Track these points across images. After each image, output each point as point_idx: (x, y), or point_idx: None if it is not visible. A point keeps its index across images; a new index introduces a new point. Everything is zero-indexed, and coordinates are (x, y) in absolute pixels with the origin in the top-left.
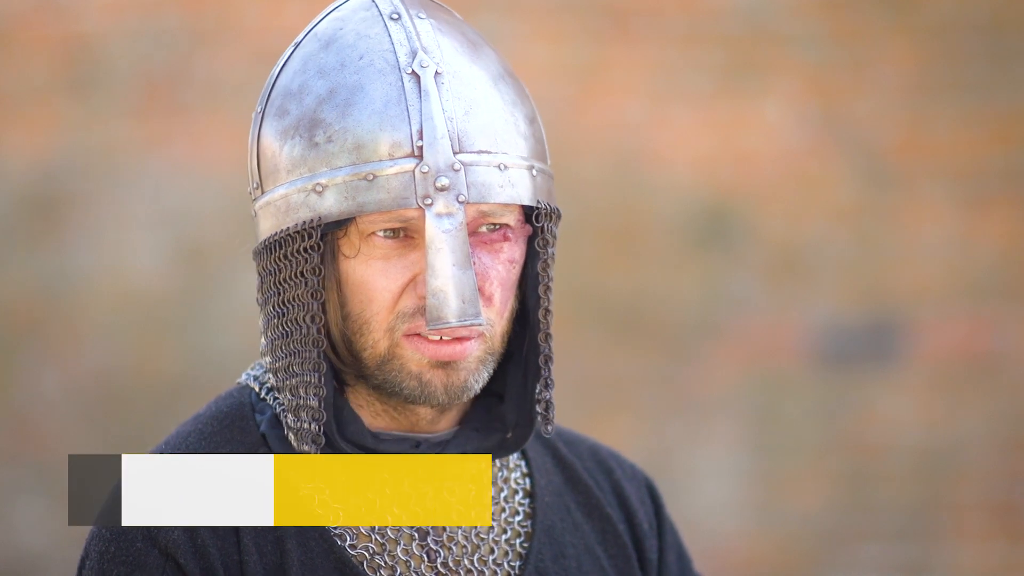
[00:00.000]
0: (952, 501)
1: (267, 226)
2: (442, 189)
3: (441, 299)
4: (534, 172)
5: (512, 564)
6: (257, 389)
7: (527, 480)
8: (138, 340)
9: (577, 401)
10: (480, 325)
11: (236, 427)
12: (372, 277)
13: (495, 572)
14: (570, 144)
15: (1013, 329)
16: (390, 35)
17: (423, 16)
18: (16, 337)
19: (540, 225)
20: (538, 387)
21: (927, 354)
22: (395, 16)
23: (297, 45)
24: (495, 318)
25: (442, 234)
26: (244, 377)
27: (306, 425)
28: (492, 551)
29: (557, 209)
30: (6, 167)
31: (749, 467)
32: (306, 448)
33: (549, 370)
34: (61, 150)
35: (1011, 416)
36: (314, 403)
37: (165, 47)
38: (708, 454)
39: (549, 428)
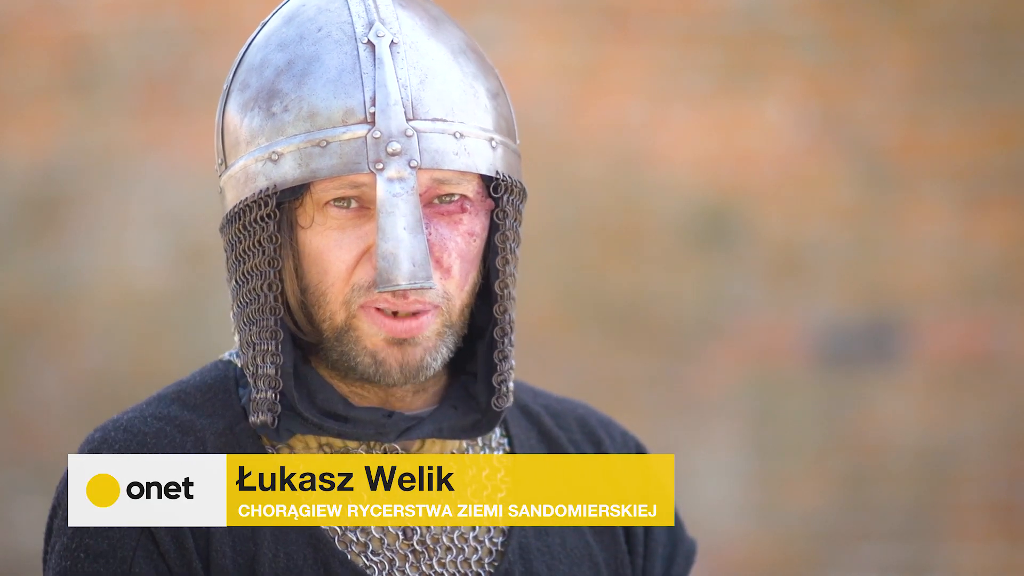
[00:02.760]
0: (952, 501)
1: (230, 199)
2: (394, 154)
3: (391, 262)
4: (494, 144)
5: (494, 540)
6: (238, 363)
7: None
8: (138, 340)
9: None
10: (431, 288)
11: (219, 399)
12: (327, 248)
13: (475, 549)
14: (570, 144)
15: (1013, 329)
16: (349, 8)
17: None
18: (16, 337)
19: (499, 196)
20: (495, 359)
21: (927, 354)
22: None
23: (264, 24)
24: (454, 291)
25: (392, 198)
26: (227, 354)
27: (263, 394)
28: (473, 528)
29: (520, 184)
30: (6, 167)
31: (749, 467)
32: (261, 418)
33: (504, 343)
34: (61, 150)
35: (1011, 416)
36: (271, 371)
37: (165, 47)
38: (708, 454)
39: (499, 402)
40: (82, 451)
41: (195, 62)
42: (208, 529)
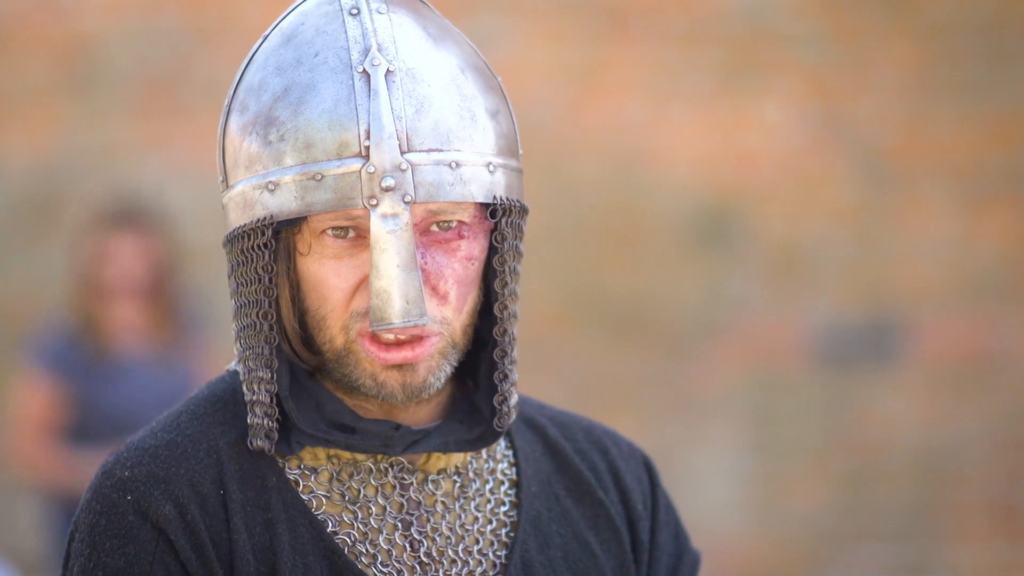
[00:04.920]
0: (952, 501)
1: (231, 219)
2: (388, 189)
3: (384, 300)
4: (491, 168)
5: (498, 554)
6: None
7: (514, 470)
8: None
9: (577, 401)
10: (424, 325)
11: (229, 410)
12: (325, 276)
13: (480, 562)
14: (570, 144)
15: (1013, 329)
16: (346, 31)
17: (383, 11)
18: (16, 337)
19: (497, 220)
20: (495, 380)
21: (927, 354)
22: (354, 11)
23: (264, 39)
24: (452, 315)
25: (387, 234)
26: (234, 364)
27: (259, 420)
28: (477, 541)
29: (520, 203)
30: (6, 167)
31: (749, 467)
32: (259, 444)
33: (505, 363)
34: (61, 150)
35: (1011, 416)
36: (265, 398)
37: (165, 47)
38: (708, 454)
39: (500, 423)
40: (96, 475)
41: (195, 62)
42: (230, 538)
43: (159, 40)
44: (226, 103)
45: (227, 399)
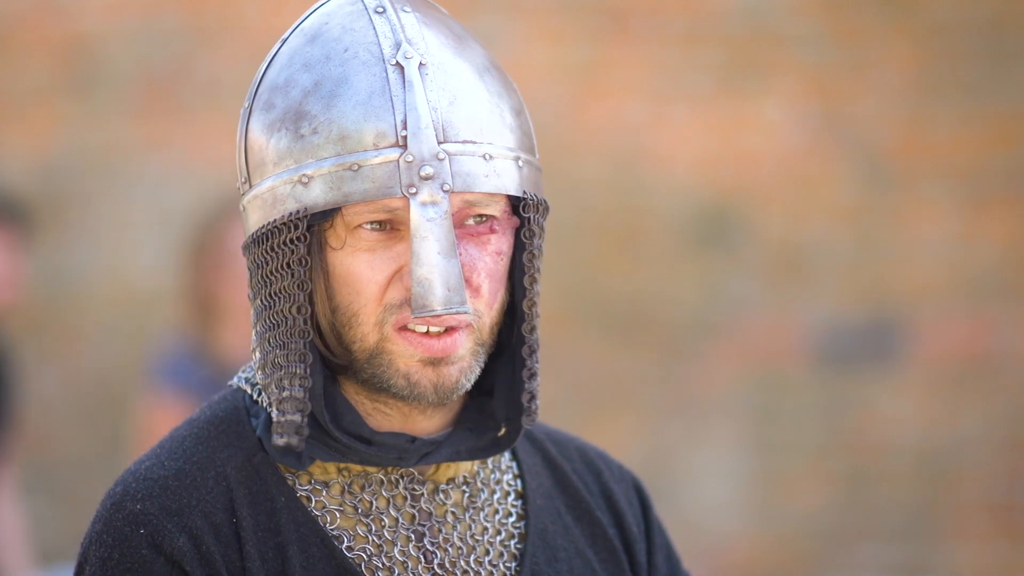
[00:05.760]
0: (952, 501)
1: (255, 219)
2: (427, 178)
3: (426, 287)
4: (520, 163)
5: (508, 565)
6: (249, 391)
7: (518, 481)
8: (138, 340)
9: (577, 401)
10: (466, 313)
11: (233, 431)
12: (358, 269)
13: (491, 573)
14: (570, 144)
15: (1013, 329)
16: (375, 28)
17: (408, 10)
18: (16, 337)
19: (527, 216)
20: (523, 377)
21: (927, 354)
22: (380, 10)
23: (284, 41)
24: (484, 309)
25: (427, 223)
26: (236, 380)
27: (289, 417)
28: (487, 552)
29: (544, 201)
30: (6, 167)
31: (749, 467)
32: (286, 440)
33: (534, 360)
34: (61, 150)
35: (1011, 416)
36: (299, 394)
37: (165, 47)
38: (708, 454)
39: (531, 419)
40: (104, 505)
41: (195, 62)
42: (243, 566)
43: (159, 40)
44: (246, 105)
45: (230, 419)
